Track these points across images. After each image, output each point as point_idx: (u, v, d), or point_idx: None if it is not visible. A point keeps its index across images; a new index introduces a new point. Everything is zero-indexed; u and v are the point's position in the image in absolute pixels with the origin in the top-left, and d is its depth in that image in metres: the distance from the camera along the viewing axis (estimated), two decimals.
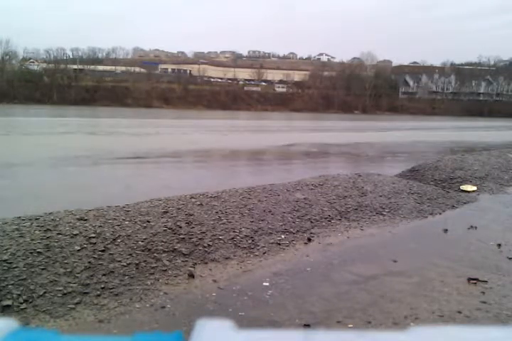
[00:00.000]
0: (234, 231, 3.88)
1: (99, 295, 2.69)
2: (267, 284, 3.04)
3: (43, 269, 2.80)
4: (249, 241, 3.78)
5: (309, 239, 4.05)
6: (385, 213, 5.05)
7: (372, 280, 3.17)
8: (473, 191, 6.69)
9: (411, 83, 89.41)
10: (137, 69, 77.25)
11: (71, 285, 2.71)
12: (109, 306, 2.61)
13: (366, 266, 3.47)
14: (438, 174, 7.69)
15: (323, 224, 4.49)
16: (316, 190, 5.60)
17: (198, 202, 4.45)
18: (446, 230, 4.56)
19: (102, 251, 3.14)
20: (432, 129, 30.24)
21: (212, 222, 3.98)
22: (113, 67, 77.53)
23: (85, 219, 3.60)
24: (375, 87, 79.03)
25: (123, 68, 77.50)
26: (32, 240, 3.11)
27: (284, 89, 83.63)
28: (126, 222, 3.67)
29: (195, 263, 3.28)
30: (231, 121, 34.98)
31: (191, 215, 4.05)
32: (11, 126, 19.33)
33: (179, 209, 4.18)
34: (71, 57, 78.08)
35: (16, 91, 60.59)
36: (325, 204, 5.06)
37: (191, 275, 3.09)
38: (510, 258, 3.73)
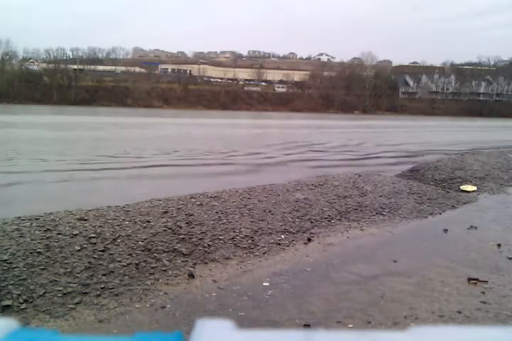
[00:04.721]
0: (234, 231, 3.88)
1: (99, 295, 2.69)
2: (267, 284, 3.04)
3: (43, 269, 2.80)
4: (249, 241, 3.78)
5: (309, 239, 4.05)
6: (385, 213, 5.05)
7: (372, 280, 3.17)
8: (473, 191, 6.69)
9: (411, 83, 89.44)
10: (137, 69, 77.32)
11: (71, 285, 2.71)
12: (109, 306, 2.61)
13: (366, 266, 3.47)
14: (438, 174, 7.69)
15: (323, 224, 4.49)
16: (316, 190, 5.60)
17: (198, 202, 4.45)
18: (446, 230, 4.56)
19: (102, 251, 3.14)
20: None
21: (212, 222, 3.98)
22: (113, 67, 77.59)
23: (85, 219, 3.60)
24: (375, 87, 79.11)
25: (123, 68, 77.58)
26: (32, 240, 3.11)
27: (284, 89, 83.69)
28: (126, 222, 3.67)
29: (195, 263, 3.28)
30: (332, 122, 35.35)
31: (191, 215, 4.05)
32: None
33: (179, 209, 4.18)
34: (71, 57, 78.16)
35: (16, 91, 60.71)
36: (325, 204, 5.06)
37: (191, 275, 3.09)
38: (510, 258, 3.73)
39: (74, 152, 10.61)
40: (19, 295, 2.54)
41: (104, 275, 2.88)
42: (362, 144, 15.83)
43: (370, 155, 12.12)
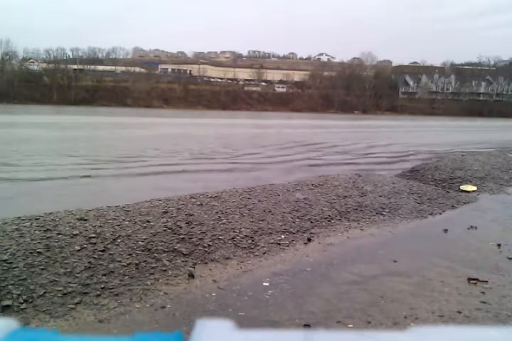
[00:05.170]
0: (234, 231, 3.88)
1: (99, 295, 2.69)
2: (267, 284, 3.04)
3: (43, 269, 2.80)
4: (249, 241, 3.78)
5: (309, 239, 4.05)
6: (385, 213, 5.05)
7: (372, 280, 3.17)
8: (473, 191, 6.69)
9: (411, 83, 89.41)
10: (137, 69, 77.32)
11: (71, 285, 2.71)
12: (109, 306, 2.61)
13: (366, 266, 3.47)
14: (438, 174, 7.69)
15: (323, 224, 4.49)
16: (316, 190, 5.60)
17: (198, 202, 4.45)
18: (446, 230, 4.56)
19: (102, 251, 3.14)
20: None
21: (212, 222, 3.98)
22: (113, 67, 77.60)
23: (85, 219, 3.60)
24: (375, 87, 79.08)
25: (123, 68, 77.59)
26: (32, 240, 3.11)
27: (284, 89, 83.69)
28: (126, 222, 3.67)
29: (195, 263, 3.28)
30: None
31: (191, 215, 4.05)
32: None
33: (179, 209, 4.18)
34: (71, 57, 78.18)
35: (16, 91, 60.74)
36: (325, 204, 5.05)
37: (191, 275, 3.09)
38: (510, 258, 3.73)
39: (83, 153, 10.61)
40: (19, 295, 2.54)
41: (104, 275, 2.88)
42: (389, 145, 15.44)
43: (402, 157, 11.66)
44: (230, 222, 4.06)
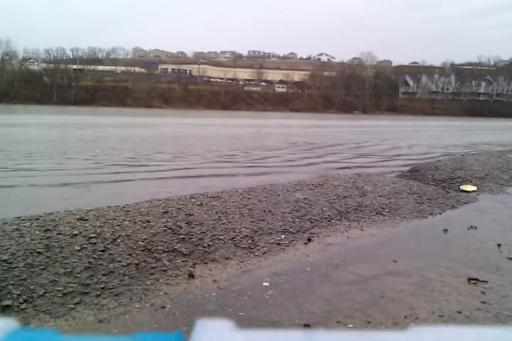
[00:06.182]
0: (234, 231, 3.88)
1: (99, 295, 2.69)
2: (267, 284, 3.04)
3: (43, 269, 2.80)
4: (249, 241, 3.78)
5: (309, 239, 4.05)
6: (385, 213, 5.05)
7: (372, 280, 3.17)
8: (473, 191, 6.69)
9: (411, 83, 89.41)
10: (137, 69, 77.34)
11: (71, 285, 2.71)
12: (109, 306, 2.61)
13: (366, 266, 3.47)
14: (438, 174, 7.69)
15: (323, 224, 4.49)
16: (316, 190, 5.60)
17: (198, 202, 4.45)
18: (446, 230, 4.56)
19: (102, 251, 3.14)
20: None
21: (212, 222, 3.98)
22: (113, 67, 77.62)
23: (85, 219, 3.60)
24: (375, 87, 79.09)
25: (123, 68, 77.61)
26: (32, 240, 3.11)
27: (284, 89, 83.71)
28: (126, 222, 3.67)
29: (195, 263, 3.28)
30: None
31: (191, 215, 4.05)
32: None
33: (179, 209, 4.18)
34: (71, 57, 78.18)
35: (16, 91, 60.82)
36: (325, 204, 5.05)
37: (191, 275, 3.09)
38: (510, 258, 3.73)
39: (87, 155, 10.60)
40: (19, 295, 2.54)
41: (104, 275, 2.88)
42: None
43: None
44: (230, 222, 4.06)
